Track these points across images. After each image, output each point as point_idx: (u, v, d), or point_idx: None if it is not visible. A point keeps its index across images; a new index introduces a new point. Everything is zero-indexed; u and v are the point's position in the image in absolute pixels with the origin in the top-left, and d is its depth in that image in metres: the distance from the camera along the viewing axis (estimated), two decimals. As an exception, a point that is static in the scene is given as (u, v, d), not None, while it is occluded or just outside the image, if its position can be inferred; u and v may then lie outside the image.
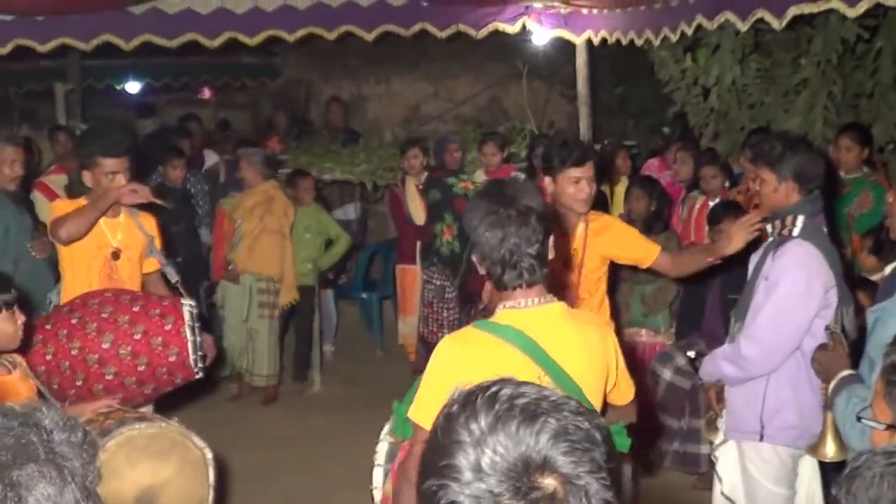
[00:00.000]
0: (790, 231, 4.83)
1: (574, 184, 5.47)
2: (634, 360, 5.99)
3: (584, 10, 9.87)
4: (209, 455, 4.65)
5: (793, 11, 6.71)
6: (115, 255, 5.93)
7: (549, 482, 1.68)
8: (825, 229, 5.04)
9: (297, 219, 9.62)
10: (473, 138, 11.18)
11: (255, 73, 17.27)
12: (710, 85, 9.84)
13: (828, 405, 4.12)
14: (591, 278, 5.69)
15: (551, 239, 3.57)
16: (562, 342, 3.54)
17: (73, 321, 5.19)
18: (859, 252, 7.11)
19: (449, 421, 1.79)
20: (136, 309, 5.27)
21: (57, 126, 11.88)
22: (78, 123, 14.45)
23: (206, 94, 18.92)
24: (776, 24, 6.95)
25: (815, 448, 4.39)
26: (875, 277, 6.26)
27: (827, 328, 4.29)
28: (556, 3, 9.79)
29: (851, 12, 6.44)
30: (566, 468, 1.69)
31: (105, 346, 5.11)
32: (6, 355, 4.56)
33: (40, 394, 4.67)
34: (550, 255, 3.58)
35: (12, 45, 8.85)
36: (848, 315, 4.80)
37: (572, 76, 11.23)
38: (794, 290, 4.76)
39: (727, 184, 8.20)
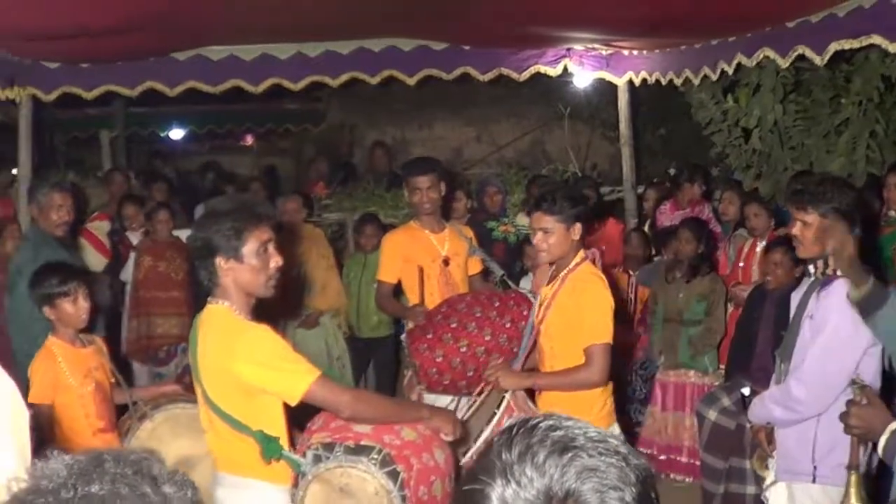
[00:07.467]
0: (834, 270, 4.75)
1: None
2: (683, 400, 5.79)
3: (625, 52, 9.89)
4: None
5: (834, 47, 6.60)
6: (446, 262, 6.92)
7: None
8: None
9: (366, 267, 9.25)
10: (517, 181, 11.18)
11: (299, 118, 17.40)
12: (751, 126, 9.77)
13: (891, 461, 3.75)
14: (556, 344, 5.38)
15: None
16: (203, 336, 4.23)
17: (453, 325, 6.04)
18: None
19: (487, 449, 1.75)
20: (497, 304, 6.17)
21: (113, 168, 12.01)
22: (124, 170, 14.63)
23: (249, 140, 19.10)
24: (817, 60, 6.87)
25: None
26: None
27: (853, 382, 3.95)
28: (596, 45, 9.81)
29: (893, 47, 6.33)
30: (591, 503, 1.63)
31: (487, 338, 5.98)
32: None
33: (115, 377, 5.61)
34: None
35: (59, 93, 8.98)
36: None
37: (614, 118, 11.25)
38: (841, 329, 4.66)
39: (773, 222, 8.09)
